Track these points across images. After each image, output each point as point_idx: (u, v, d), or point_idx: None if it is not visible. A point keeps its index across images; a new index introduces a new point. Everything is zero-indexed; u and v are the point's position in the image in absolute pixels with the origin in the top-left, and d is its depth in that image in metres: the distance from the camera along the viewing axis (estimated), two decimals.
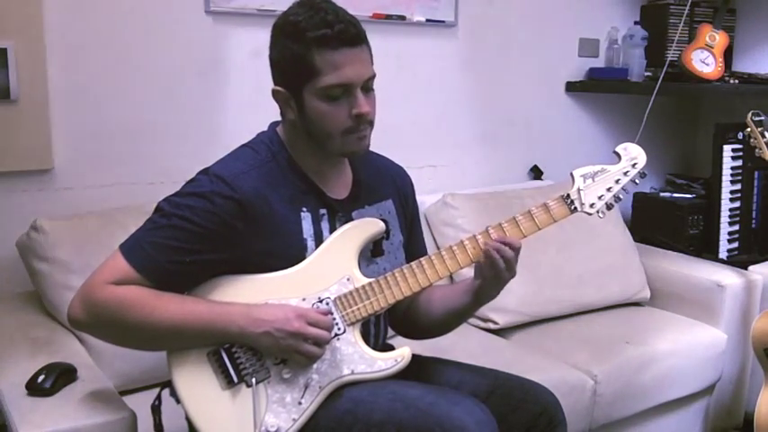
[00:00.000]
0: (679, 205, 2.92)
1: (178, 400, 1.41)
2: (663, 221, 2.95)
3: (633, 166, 1.52)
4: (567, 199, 1.49)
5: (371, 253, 1.52)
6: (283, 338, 1.35)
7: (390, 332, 1.65)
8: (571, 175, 1.51)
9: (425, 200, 2.51)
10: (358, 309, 1.43)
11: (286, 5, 1.44)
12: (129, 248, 1.38)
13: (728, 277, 2.47)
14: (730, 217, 2.84)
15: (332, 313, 1.42)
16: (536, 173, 3.03)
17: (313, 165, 1.49)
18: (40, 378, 1.50)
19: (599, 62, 3.14)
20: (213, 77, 2.32)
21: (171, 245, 1.36)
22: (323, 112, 1.41)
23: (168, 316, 1.36)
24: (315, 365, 1.40)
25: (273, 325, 1.35)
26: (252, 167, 1.43)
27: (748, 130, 2.29)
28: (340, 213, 1.49)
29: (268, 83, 1.47)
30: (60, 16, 2.07)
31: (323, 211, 1.48)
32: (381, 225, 1.49)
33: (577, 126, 3.14)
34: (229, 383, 1.39)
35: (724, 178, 2.81)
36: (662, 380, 2.28)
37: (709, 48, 2.83)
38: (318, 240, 1.45)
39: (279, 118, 1.51)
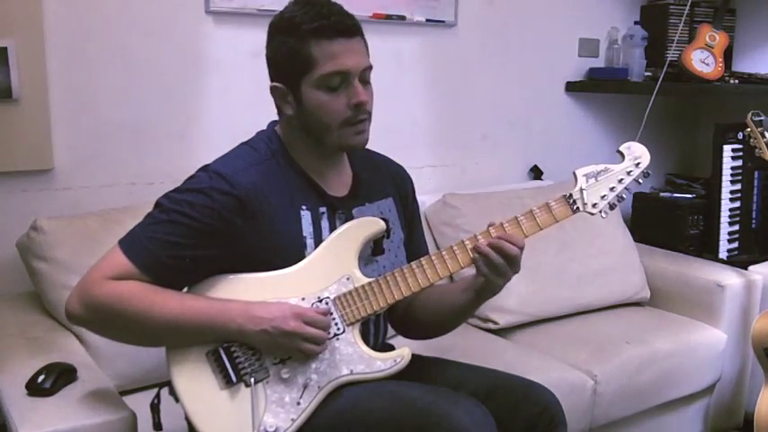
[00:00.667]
0: (679, 205, 2.92)
1: (177, 399, 1.41)
2: (663, 221, 2.94)
3: (637, 165, 1.49)
4: (569, 199, 1.48)
5: (372, 251, 1.52)
6: (280, 337, 1.35)
7: (390, 332, 1.64)
8: (574, 174, 1.49)
9: (425, 200, 2.51)
10: (357, 308, 1.43)
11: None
12: (128, 243, 1.38)
13: (728, 277, 2.47)
14: (730, 217, 2.84)
15: (331, 313, 1.42)
16: (536, 173, 3.03)
17: (312, 162, 1.49)
18: (40, 378, 1.50)
19: (599, 62, 3.14)
20: (213, 77, 2.32)
21: (170, 240, 1.36)
22: (321, 102, 1.41)
23: (167, 312, 1.36)
24: (314, 365, 1.40)
25: (271, 323, 1.35)
26: (251, 165, 1.44)
27: (748, 130, 2.29)
28: (340, 211, 1.49)
29: (268, 82, 1.47)
30: (60, 16, 2.06)
31: (322, 209, 1.48)
32: (382, 224, 1.48)
33: (577, 126, 3.14)
34: (228, 383, 1.39)
35: (724, 178, 2.81)
36: (662, 380, 2.28)
37: (709, 48, 2.83)
38: (318, 238, 1.45)
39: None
